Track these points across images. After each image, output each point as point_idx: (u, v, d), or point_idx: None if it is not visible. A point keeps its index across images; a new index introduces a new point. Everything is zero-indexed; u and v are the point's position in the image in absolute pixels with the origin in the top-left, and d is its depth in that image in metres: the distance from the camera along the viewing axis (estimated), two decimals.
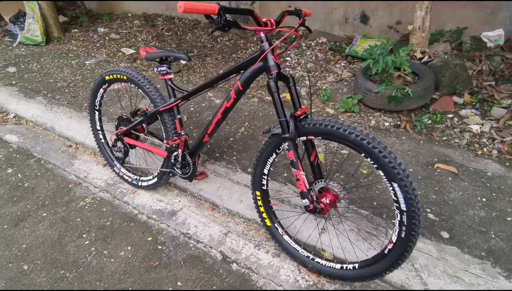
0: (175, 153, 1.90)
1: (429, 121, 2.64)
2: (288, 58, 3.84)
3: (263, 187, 1.71)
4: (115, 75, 2.00)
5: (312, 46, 4.10)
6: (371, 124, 2.70)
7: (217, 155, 2.42)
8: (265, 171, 1.66)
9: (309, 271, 1.66)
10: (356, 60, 3.70)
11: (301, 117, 1.44)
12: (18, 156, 2.65)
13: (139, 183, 2.19)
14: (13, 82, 3.64)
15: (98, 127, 2.30)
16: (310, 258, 1.64)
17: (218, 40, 4.60)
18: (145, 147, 2.03)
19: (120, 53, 4.38)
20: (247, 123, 2.77)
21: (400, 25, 3.95)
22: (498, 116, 2.63)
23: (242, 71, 1.55)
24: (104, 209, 2.11)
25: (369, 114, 2.82)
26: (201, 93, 1.74)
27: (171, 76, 1.84)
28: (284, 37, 1.43)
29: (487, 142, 2.43)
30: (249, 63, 1.51)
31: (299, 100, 1.49)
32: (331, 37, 4.24)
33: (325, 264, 1.59)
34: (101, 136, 2.32)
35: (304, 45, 4.14)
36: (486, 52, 3.21)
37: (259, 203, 1.74)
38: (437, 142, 2.48)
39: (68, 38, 4.95)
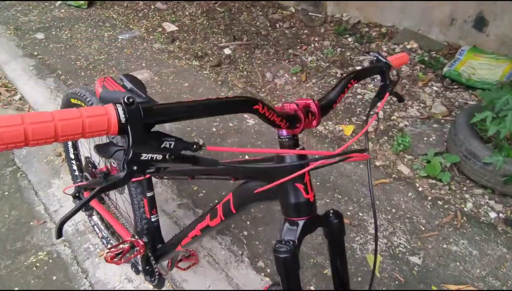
0: (129, 244, 1.21)
1: None
2: (359, 68, 2.86)
3: None
4: (80, 102, 1.33)
5: (395, 52, 3.04)
6: (465, 209, 1.75)
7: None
8: None
9: None
10: (457, 87, 2.61)
11: None
12: None
13: (110, 244, 1.58)
14: (35, 53, 3.21)
15: (72, 156, 1.69)
16: None
17: (277, 25, 3.71)
18: (107, 216, 1.38)
19: (160, 29, 3.74)
20: None
21: None
22: None
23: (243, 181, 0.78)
24: (54, 277, 1.54)
25: (465, 190, 1.85)
26: (174, 178, 1.00)
27: None
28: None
29: None
30: (251, 172, 0.73)
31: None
32: (426, 43, 3.12)
33: None
34: (75, 167, 1.71)
35: (385, 50, 3.10)
36: None
37: None
38: None
39: (112, 3, 4.41)
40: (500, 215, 1.73)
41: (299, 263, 0.65)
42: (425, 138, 2.13)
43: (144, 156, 0.45)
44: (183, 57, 3.21)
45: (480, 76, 2.57)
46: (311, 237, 1.61)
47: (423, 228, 1.67)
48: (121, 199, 1.47)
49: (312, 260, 1.52)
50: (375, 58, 0.80)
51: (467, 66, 2.67)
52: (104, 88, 1.03)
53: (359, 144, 2.18)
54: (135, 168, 0.46)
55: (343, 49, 3.16)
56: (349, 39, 3.32)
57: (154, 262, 1.17)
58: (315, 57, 3.08)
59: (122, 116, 0.43)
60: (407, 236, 1.63)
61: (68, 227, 1.75)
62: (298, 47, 3.29)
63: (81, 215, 1.77)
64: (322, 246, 1.57)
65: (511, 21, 2.77)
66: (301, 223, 0.65)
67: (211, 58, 3.18)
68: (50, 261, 1.61)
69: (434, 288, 1.43)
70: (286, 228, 0.67)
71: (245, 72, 2.97)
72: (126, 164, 0.44)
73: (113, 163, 1.37)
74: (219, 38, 3.51)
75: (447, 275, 1.48)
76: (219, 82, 2.84)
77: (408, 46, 3.11)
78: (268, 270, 1.49)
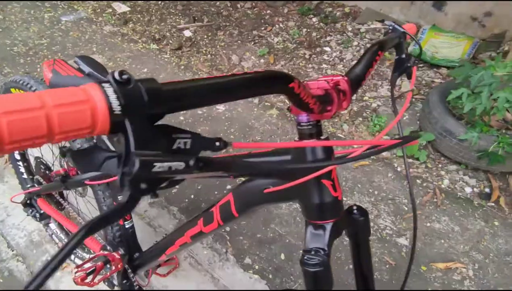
0: (103, 259, 1.04)
1: None
2: (328, 49, 2.80)
3: None
4: (22, 91, 1.10)
5: (361, 33, 3.02)
6: (442, 186, 1.77)
7: None
8: None
9: None
10: (422, 66, 2.64)
11: None
12: None
13: (72, 257, 1.37)
14: None
15: (17, 156, 1.44)
16: None
17: (238, 5, 3.52)
18: (68, 225, 1.18)
19: (110, 9, 3.39)
20: None
21: (490, 18, 2.81)
22: None
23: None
24: None
25: (441, 167, 1.87)
26: None
27: None
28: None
29: None
30: (261, 168, 0.59)
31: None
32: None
33: None
34: (22, 169, 1.46)
35: (350, 30, 3.06)
36: None
37: None
38: None
39: None
40: (475, 189, 1.77)
41: (332, 276, 0.54)
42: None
43: (158, 166, 0.30)
44: (139, 40, 2.93)
45: (443, 54, 2.62)
46: (297, 227, 1.53)
47: (406, 208, 1.66)
48: (83, 202, 1.27)
49: (300, 251, 1.44)
50: (390, 27, 0.70)
51: (429, 45, 2.71)
52: (55, 72, 0.84)
53: (334, 126, 2.12)
54: (143, 186, 0.30)
55: (308, 30, 3.07)
56: (314, 19, 3.23)
57: (132, 274, 1.01)
58: (281, 38, 2.96)
59: (115, 103, 0.28)
60: (392, 217, 1.61)
61: (20, 239, 1.51)
62: (263, 28, 3.15)
63: (35, 224, 1.53)
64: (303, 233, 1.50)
65: (468, 2, 2.84)
66: (328, 226, 0.55)
67: (170, 41, 2.94)
68: (1, 280, 1.38)
69: (423, 268, 1.42)
70: (310, 233, 0.56)
71: (209, 56, 2.78)
72: (130, 182, 0.29)
73: (71, 162, 1.17)
74: (177, 19, 3.26)
75: (434, 254, 1.47)
76: (182, 67, 2.63)
77: (372, 26, 3.09)
78: (256, 267, 1.39)
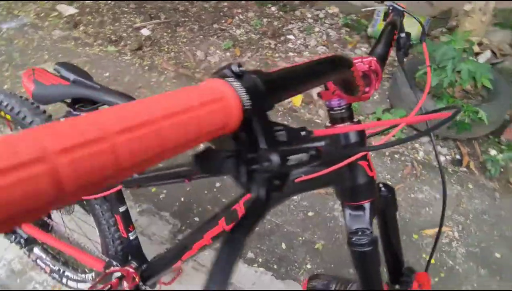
0: (117, 275, 0.98)
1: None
2: (291, 37, 2.82)
3: None
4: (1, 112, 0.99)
5: (321, 19, 3.08)
6: (418, 158, 1.87)
7: (196, 218, 1.53)
8: None
9: None
10: None
11: None
12: None
13: (64, 280, 1.28)
14: None
15: None
16: None
17: (194, 1, 3.43)
18: (61, 246, 1.09)
19: (56, 13, 3.15)
20: None
21: None
22: None
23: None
24: None
25: (414, 140, 1.98)
26: (164, 183, 0.81)
27: None
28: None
29: None
30: None
31: None
32: (346, 8, 3.21)
33: None
34: None
35: (310, 16, 3.10)
36: None
37: None
38: None
39: None
40: (447, 157, 1.89)
41: (379, 256, 0.55)
42: (370, 98, 2.20)
43: (291, 160, 0.28)
44: (95, 43, 2.76)
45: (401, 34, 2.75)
46: (292, 214, 1.55)
47: (390, 183, 1.73)
48: (71, 220, 1.19)
49: (300, 238, 1.46)
50: (391, 7, 0.72)
51: None
52: (38, 83, 0.77)
53: (310, 112, 2.15)
54: (277, 182, 0.28)
55: (269, 19, 3.08)
56: (273, 8, 3.24)
57: (144, 287, 0.96)
58: (243, 30, 2.94)
59: (245, 98, 0.26)
60: None
61: None
62: (223, 21, 3.10)
63: (14, 251, 1.40)
64: (305, 222, 1.52)
65: None
66: (367, 206, 0.55)
67: (128, 42, 2.80)
68: None
69: (415, 236, 1.50)
70: (350, 215, 0.56)
71: (172, 53, 2.69)
72: (268, 179, 0.27)
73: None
74: (131, 18, 3.11)
75: (422, 222, 1.56)
76: (146, 68, 2.52)
77: (330, 11, 3.16)
78: (260, 260, 1.39)
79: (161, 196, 1.60)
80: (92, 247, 1.09)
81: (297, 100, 2.24)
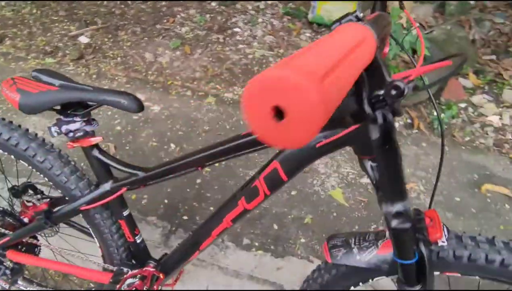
0: (129, 281, 0.95)
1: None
2: (238, 30, 2.86)
3: None
4: None
5: (262, 9, 3.16)
6: None
7: (184, 217, 1.51)
8: None
9: None
10: (324, 30, 2.92)
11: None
12: None
13: None
14: None
15: None
16: None
17: (129, 2, 3.30)
18: (58, 267, 1.02)
19: None
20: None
21: None
22: None
23: None
24: None
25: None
26: (175, 176, 0.81)
27: (97, 139, 0.83)
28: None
29: None
30: None
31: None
32: None
33: None
34: None
35: (251, 8, 3.16)
36: (474, 16, 2.73)
37: None
38: (463, 147, 1.95)
39: None
40: (400, 122, 2.09)
41: None
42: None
43: (406, 89, 0.33)
44: (29, 57, 2.54)
45: (338, 15, 2.93)
46: (277, 196, 1.60)
47: None
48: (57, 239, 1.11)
49: (289, 216, 1.53)
50: None
51: (324, 11, 2.99)
52: (23, 92, 0.73)
53: None
54: (398, 107, 0.34)
55: (212, 15, 3.08)
56: (213, 4, 3.24)
57: (159, 287, 0.94)
58: (188, 28, 2.91)
59: (376, 38, 0.31)
60: (349, 163, 1.81)
61: None
62: (165, 21, 3.03)
63: None
64: (290, 201, 1.59)
65: None
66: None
67: (67, 51, 2.62)
68: None
69: None
70: (371, 167, 0.62)
71: (119, 58, 2.58)
72: (395, 105, 0.32)
73: (27, 202, 1.01)
74: (65, 27, 2.90)
75: None
76: (94, 76, 2.39)
77: (269, 2, 3.25)
78: (256, 244, 1.42)
79: (143, 202, 1.55)
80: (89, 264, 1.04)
81: None
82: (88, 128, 0.80)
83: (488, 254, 0.64)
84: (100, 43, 2.73)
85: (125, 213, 0.91)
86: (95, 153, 0.83)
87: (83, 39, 2.76)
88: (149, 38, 2.80)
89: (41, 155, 0.87)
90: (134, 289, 0.83)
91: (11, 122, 0.90)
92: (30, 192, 1.02)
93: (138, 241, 0.95)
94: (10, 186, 1.02)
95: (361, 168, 0.66)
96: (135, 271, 0.88)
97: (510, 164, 1.86)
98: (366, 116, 0.39)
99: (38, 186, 1.04)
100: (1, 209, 1.02)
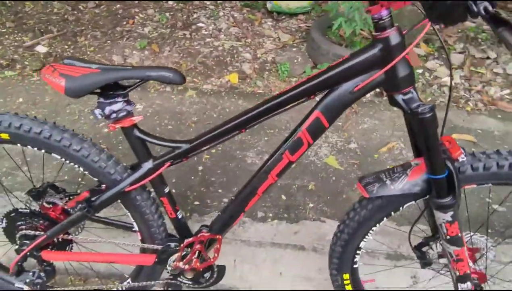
0: (175, 255, 0.98)
1: None
2: (202, 25, 2.89)
3: (354, 266, 1.04)
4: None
5: (220, 3, 3.21)
6: None
7: (195, 203, 1.55)
8: (362, 244, 0.99)
9: None
10: (284, 17, 3.05)
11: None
12: None
13: None
14: None
15: None
16: None
17: (81, 7, 3.18)
18: (97, 258, 1.02)
19: None
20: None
21: None
22: (459, 63, 2.51)
23: (325, 91, 0.77)
24: None
25: None
26: (219, 141, 0.87)
27: (138, 118, 0.86)
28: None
29: (467, 95, 2.27)
30: (347, 73, 0.74)
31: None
32: None
33: None
34: None
35: (209, 3, 3.21)
36: None
37: (348, 288, 1.08)
38: None
39: None
40: (370, 93, 2.27)
41: (437, 118, 0.74)
42: (295, 61, 2.46)
43: None
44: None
45: (295, 4, 3.07)
46: None
47: (340, 123, 2.02)
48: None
49: (294, 186, 1.63)
50: None
51: (282, 1, 3.13)
52: (67, 77, 0.75)
53: (250, 85, 2.30)
54: None
55: (172, 13, 3.08)
56: (170, 2, 3.23)
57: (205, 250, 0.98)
58: (151, 27, 2.88)
59: None
60: (336, 133, 1.95)
61: None
62: (124, 23, 2.97)
63: None
64: (292, 173, 1.69)
65: None
66: (413, 89, 0.73)
67: (26, 62, 2.48)
68: None
69: (375, 156, 1.81)
70: (403, 100, 0.73)
71: None
72: None
73: (46, 203, 1.00)
74: (17, 38, 2.74)
75: (376, 144, 1.89)
76: None
77: None
78: (270, 214, 1.51)
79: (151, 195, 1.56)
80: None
81: (233, 78, 2.36)
82: (129, 108, 0.83)
83: (498, 162, 0.79)
84: (61, 51, 2.61)
85: (166, 190, 0.95)
86: (136, 132, 0.86)
87: (41, 49, 2.63)
88: (112, 41, 2.74)
89: (77, 143, 0.88)
90: (197, 251, 0.88)
91: (35, 117, 0.89)
92: (51, 192, 1.02)
93: (179, 217, 0.99)
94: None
95: (391, 103, 0.77)
96: (189, 240, 0.92)
97: (467, 115, 2.12)
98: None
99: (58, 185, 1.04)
100: (29, 211, 0.99)
